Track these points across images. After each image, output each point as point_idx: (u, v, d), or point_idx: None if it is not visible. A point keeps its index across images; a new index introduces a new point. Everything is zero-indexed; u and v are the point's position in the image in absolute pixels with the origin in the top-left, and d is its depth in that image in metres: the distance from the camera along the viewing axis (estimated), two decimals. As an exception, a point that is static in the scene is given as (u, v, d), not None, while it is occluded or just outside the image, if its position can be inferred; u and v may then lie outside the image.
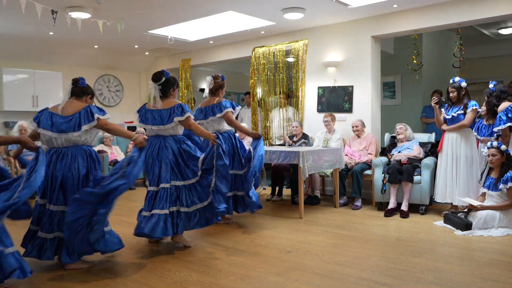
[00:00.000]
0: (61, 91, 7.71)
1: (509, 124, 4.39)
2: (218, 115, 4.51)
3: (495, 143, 4.31)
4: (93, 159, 3.42)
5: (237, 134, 4.78)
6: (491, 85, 4.65)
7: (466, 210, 4.38)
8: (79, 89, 3.51)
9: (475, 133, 4.74)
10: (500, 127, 4.42)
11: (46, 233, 3.29)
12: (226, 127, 4.64)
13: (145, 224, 3.67)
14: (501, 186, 4.20)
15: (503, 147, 4.25)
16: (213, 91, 4.67)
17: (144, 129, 4.23)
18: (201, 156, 3.90)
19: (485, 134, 4.58)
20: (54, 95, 7.72)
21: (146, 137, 3.69)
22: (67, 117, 3.34)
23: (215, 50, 8.06)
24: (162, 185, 3.76)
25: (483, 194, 4.46)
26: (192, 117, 3.90)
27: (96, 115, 3.34)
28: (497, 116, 4.46)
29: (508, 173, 4.17)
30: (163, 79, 3.88)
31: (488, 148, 4.38)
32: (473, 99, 4.90)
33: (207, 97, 4.73)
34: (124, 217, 5.09)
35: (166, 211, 3.70)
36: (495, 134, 4.51)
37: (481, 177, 4.55)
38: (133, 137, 3.43)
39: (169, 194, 3.75)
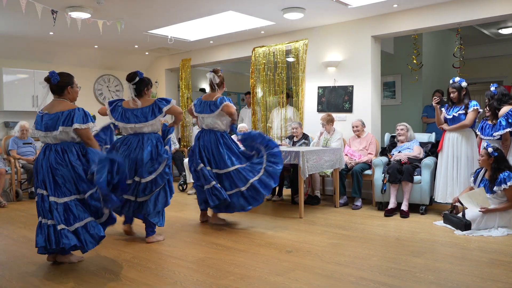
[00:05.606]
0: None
1: (509, 129, 4.40)
2: (216, 112, 4.50)
3: (485, 144, 4.34)
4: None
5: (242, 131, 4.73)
6: (492, 88, 4.62)
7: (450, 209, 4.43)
8: (55, 86, 3.39)
9: (479, 133, 4.74)
10: (500, 133, 4.45)
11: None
12: (218, 125, 4.58)
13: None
14: (495, 188, 4.21)
15: (490, 149, 4.25)
16: (219, 85, 4.69)
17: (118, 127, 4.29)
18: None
19: (489, 134, 4.58)
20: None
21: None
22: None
23: (215, 50, 8.06)
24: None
25: (470, 188, 4.50)
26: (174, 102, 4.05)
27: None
28: (498, 120, 4.47)
29: (501, 175, 4.17)
30: (137, 79, 3.98)
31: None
32: (473, 99, 4.91)
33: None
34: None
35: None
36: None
37: (476, 173, 4.53)
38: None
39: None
